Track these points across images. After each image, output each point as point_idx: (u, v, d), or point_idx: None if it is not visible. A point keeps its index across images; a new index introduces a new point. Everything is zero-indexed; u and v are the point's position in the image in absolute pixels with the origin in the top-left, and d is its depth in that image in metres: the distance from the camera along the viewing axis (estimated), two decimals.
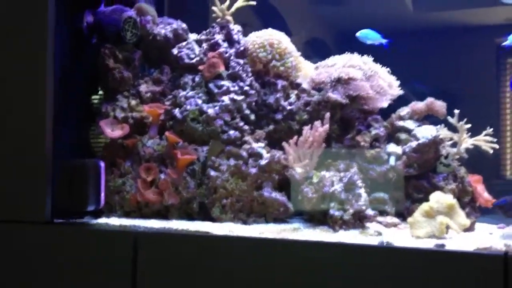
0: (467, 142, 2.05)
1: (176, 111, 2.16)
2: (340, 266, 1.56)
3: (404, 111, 2.19)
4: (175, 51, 2.30)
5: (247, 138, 2.14)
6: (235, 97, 2.18)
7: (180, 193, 2.08)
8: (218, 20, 2.34)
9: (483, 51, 3.01)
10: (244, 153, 2.10)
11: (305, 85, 2.27)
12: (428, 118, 2.20)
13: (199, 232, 1.85)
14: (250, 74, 2.25)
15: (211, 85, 2.21)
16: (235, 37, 2.30)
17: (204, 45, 2.30)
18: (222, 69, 2.23)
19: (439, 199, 1.85)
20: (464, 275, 1.44)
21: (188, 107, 2.16)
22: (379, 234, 1.81)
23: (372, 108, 2.16)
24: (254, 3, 2.36)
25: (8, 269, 1.90)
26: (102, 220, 2.01)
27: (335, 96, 2.12)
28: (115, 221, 2.02)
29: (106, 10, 2.20)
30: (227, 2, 2.34)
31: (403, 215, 2.03)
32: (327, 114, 2.06)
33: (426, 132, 2.07)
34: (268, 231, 1.88)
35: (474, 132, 2.08)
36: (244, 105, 2.19)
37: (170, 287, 1.72)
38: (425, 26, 3.06)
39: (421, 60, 3.06)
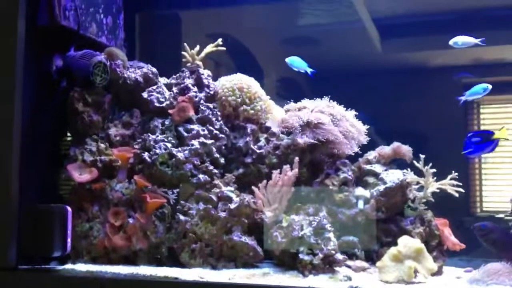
0: (433, 185, 2.09)
1: (146, 155, 2.16)
2: None
3: (371, 155, 2.23)
4: (145, 94, 2.31)
5: (217, 181, 2.14)
6: (205, 141, 2.19)
7: (149, 238, 2.06)
8: (188, 64, 2.37)
9: (451, 91, 3.09)
10: (214, 197, 2.10)
11: (274, 129, 2.30)
12: (395, 161, 2.24)
13: (168, 278, 1.83)
14: (219, 118, 2.27)
15: (180, 129, 2.21)
16: (205, 81, 2.33)
17: (174, 89, 2.32)
18: (191, 113, 2.24)
19: (407, 243, 1.87)
20: None
21: (158, 150, 2.15)
22: (349, 279, 1.82)
23: (341, 152, 2.19)
24: (223, 48, 2.40)
25: None
26: (69, 266, 1.98)
27: (303, 140, 2.15)
28: (81, 267, 1.98)
29: (75, 55, 2.20)
30: (197, 47, 2.37)
31: (372, 259, 2.04)
32: (296, 158, 2.08)
33: (393, 176, 2.10)
34: (238, 276, 1.87)
35: (444, 170, 2.12)
36: (214, 149, 2.20)
37: None
38: (394, 66, 3.13)
39: (389, 99, 3.12)
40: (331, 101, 2.32)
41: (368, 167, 2.18)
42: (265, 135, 2.30)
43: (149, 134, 2.21)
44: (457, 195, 2.07)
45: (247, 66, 2.49)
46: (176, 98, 2.28)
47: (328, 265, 1.90)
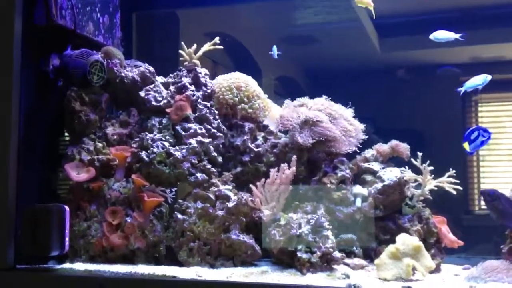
0: (431, 183, 2.09)
1: (143, 154, 2.15)
2: None
3: (369, 153, 2.23)
4: (142, 93, 2.31)
5: (215, 180, 2.14)
6: (202, 139, 2.18)
7: (147, 237, 2.06)
8: (186, 63, 2.36)
9: (450, 89, 3.09)
10: (212, 196, 2.10)
11: (272, 128, 2.29)
12: (393, 159, 2.24)
13: (166, 277, 1.82)
14: (217, 117, 2.27)
15: (178, 128, 2.21)
16: (202, 80, 2.32)
17: (172, 88, 2.32)
18: (189, 111, 2.24)
19: (405, 241, 1.87)
20: None
21: (155, 149, 2.15)
22: (347, 276, 1.81)
23: (338, 151, 2.18)
24: (221, 47, 2.39)
25: None
26: (67, 265, 1.97)
27: (302, 140, 2.14)
28: (79, 266, 1.98)
29: (72, 54, 2.20)
30: (194, 46, 2.36)
31: (370, 257, 2.04)
32: (294, 157, 2.08)
33: (391, 174, 2.10)
34: (236, 275, 1.87)
35: (442, 168, 2.12)
36: (211, 148, 2.19)
37: None
38: (392, 65, 3.14)
39: (388, 98, 3.13)
40: (328, 99, 2.31)
41: (366, 165, 2.18)
42: (263, 134, 2.30)
43: (147, 133, 2.21)
44: (455, 192, 2.07)
45: (245, 65, 2.49)
46: (173, 97, 2.28)
47: (326, 263, 1.90)
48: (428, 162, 2.08)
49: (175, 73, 2.36)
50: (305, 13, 3.16)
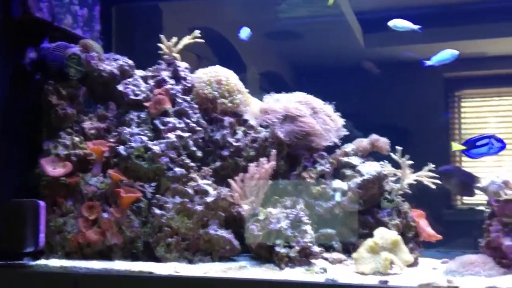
0: (410, 177, 2.08)
1: (121, 148, 2.13)
2: None
3: (349, 147, 2.21)
4: (120, 87, 2.27)
5: (193, 175, 2.12)
6: (181, 133, 2.16)
7: (124, 233, 2.03)
8: (165, 56, 2.34)
9: (433, 85, 3.10)
10: (190, 191, 2.08)
11: (252, 122, 2.27)
12: (372, 153, 2.23)
13: (143, 273, 1.80)
14: (197, 111, 2.25)
15: (157, 122, 2.19)
16: (182, 73, 2.30)
17: (151, 82, 2.29)
18: (168, 105, 2.21)
19: (384, 235, 1.86)
20: None
21: (133, 144, 2.12)
22: (325, 271, 1.80)
23: (318, 145, 2.17)
24: (202, 40, 2.37)
25: None
26: (42, 262, 1.94)
27: (283, 135, 2.13)
28: (55, 262, 1.95)
29: (50, 46, 2.17)
30: (174, 39, 2.34)
31: (349, 251, 2.03)
32: (274, 151, 2.07)
33: (370, 168, 2.08)
34: (214, 270, 1.85)
35: (426, 162, 2.11)
36: (191, 142, 2.17)
37: None
38: (376, 61, 3.14)
39: (372, 93, 3.13)
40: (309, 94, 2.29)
41: (345, 159, 2.17)
42: (243, 128, 2.28)
43: (125, 127, 2.18)
44: (433, 186, 2.07)
45: (229, 59, 2.46)
46: (152, 90, 2.25)
47: (304, 257, 1.89)
48: (409, 157, 2.08)
49: (154, 67, 2.34)
50: (290, 8, 3.15)
